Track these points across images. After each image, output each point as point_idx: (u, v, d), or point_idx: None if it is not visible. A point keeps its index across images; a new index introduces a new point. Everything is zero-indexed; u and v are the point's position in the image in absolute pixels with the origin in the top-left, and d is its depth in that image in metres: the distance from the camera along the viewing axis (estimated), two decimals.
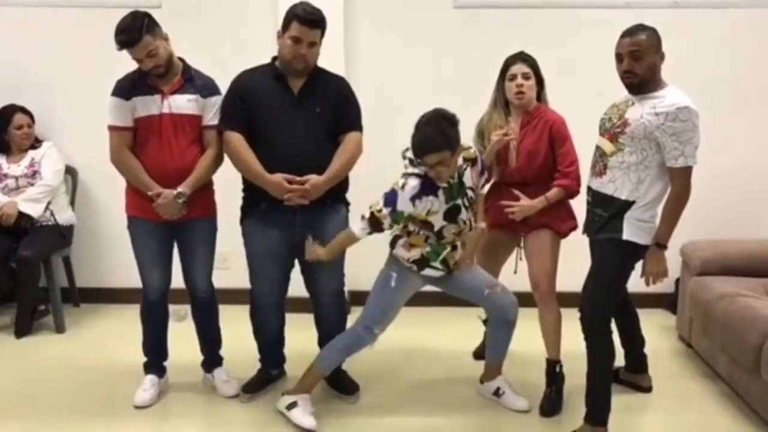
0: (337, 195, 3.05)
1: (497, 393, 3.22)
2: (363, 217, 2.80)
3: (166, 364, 3.31)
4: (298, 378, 3.09)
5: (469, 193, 2.90)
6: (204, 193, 3.11)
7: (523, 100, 3.10)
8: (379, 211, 2.76)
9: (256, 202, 3.00)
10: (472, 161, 2.88)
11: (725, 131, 4.14)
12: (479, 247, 3.10)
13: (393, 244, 2.99)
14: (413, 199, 2.76)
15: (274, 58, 3.01)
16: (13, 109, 4.14)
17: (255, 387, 3.28)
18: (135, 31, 2.84)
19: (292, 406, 3.02)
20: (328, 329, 3.20)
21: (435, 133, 2.67)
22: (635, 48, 2.60)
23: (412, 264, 2.96)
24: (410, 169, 2.80)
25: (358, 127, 3.05)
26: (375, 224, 2.79)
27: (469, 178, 2.88)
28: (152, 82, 2.98)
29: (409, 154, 2.77)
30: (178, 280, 3.21)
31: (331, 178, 2.93)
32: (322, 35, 2.90)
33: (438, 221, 2.85)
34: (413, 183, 2.76)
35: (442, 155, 2.66)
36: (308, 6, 2.86)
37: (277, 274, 3.10)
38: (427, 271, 2.98)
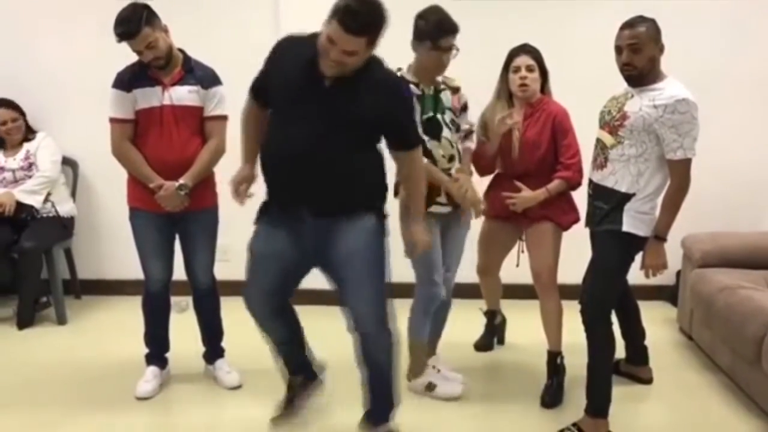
0: (358, 204, 2.46)
1: (429, 387, 3.20)
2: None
3: (167, 355, 3.32)
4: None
5: (449, 114, 2.99)
6: (206, 184, 3.11)
7: (527, 92, 3.09)
8: None
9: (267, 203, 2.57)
10: (453, 89, 3.03)
11: (726, 124, 4.14)
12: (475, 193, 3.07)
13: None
14: None
15: None
16: None
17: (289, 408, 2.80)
18: (134, 22, 2.83)
19: (430, 387, 3.13)
20: (378, 370, 2.65)
21: (449, 15, 2.82)
22: (634, 40, 2.59)
23: None
24: None
25: (417, 141, 2.57)
26: None
27: (449, 99, 3.01)
28: (153, 74, 2.98)
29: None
30: (179, 272, 3.21)
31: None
32: (371, 43, 2.24)
33: (421, 135, 2.85)
34: None
35: (455, 39, 2.82)
36: (359, 4, 2.16)
37: (270, 285, 2.57)
38: (435, 208, 2.97)
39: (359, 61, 2.24)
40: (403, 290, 3.06)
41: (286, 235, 2.48)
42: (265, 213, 2.55)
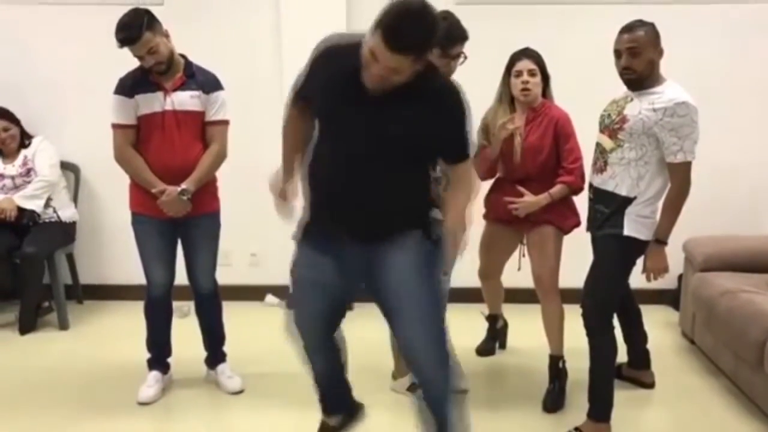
0: (401, 227, 2.22)
1: (412, 388, 3.17)
2: None
3: (169, 360, 3.32)
4: None
5: None
6: (208, 189, 3.12)
7: (529, 96, 3.10)
8: None
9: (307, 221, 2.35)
10: None
11: (727, 127, 4.14)
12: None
13: None
14: None
15: None
16: None
17: None
18: (135, 28, 2.84)
19: (412, 388, 3.05)
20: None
21: (460, 23, 2.78)
22: (633, 44, 2.60)
23: None
24: None
25: (467, 154, 2.26)
26: None
27: None
28: (155, 80, 2.98)
29: None
30: (181, 277, 3.22)
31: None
32: (418, 60, 2.00)
33: None
34: None
35: (463, 46, 2.79)
36: (406, 18, 1.93)
37: (319, 313, 2.38)
38: (436, 213, 2.94)
39: (404, 78, 2.02)
40: None
41: (330, 260, 2.26)
42: (307, 233, 2.32)
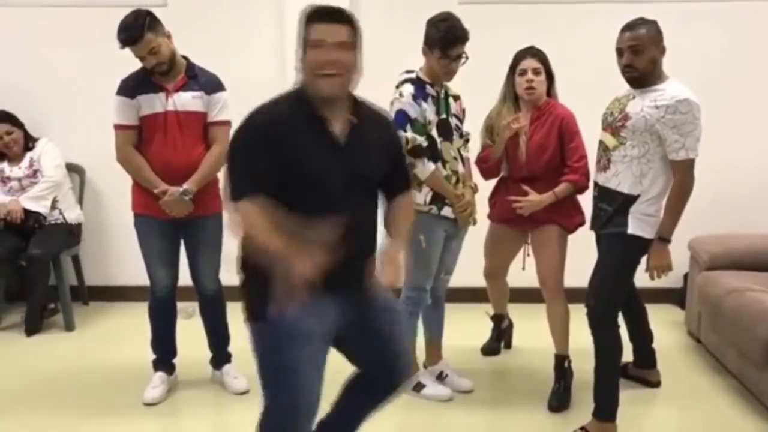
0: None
1: (441, 376, 3.26)
2: (409, 165, 2.58)
3: (175, 361, 3.32)
4: None
5: (454, 119, 3.05)
6: (210, 190, 3.12)
7: (534, 95, 3.09)
8: (407, 141, 2.81)
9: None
10: (454, 97, 3.09)
11: (732, 124, 4.12)
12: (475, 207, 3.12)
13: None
14: (414, 98, 2.88)
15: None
16: None
17: None
18: (137, 28, 2.86)
19: (418, 387, 3.13)
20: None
21: (461, 24, 2.85)
22: (635, 42, 2.59)
23: (431, 205, 2.96)
24: (403, 76, 2.94)
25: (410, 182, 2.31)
26: (419, 151, 2.85)
27: (452, 105, 3.06)
28: (157, 81, 2.99)
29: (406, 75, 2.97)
30: (185, 278, 3.22)
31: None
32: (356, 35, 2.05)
33: (435, 135, 2.93)
34: (408, 87, 2.91)
35: (464, 47, 2.85)
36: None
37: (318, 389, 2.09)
38: (446, 211, 2.99)
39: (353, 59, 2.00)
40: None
41: (320, 322, 2.03)
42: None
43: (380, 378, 2.23)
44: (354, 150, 2.02)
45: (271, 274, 1.88)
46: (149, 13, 2.92)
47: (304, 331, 1.99)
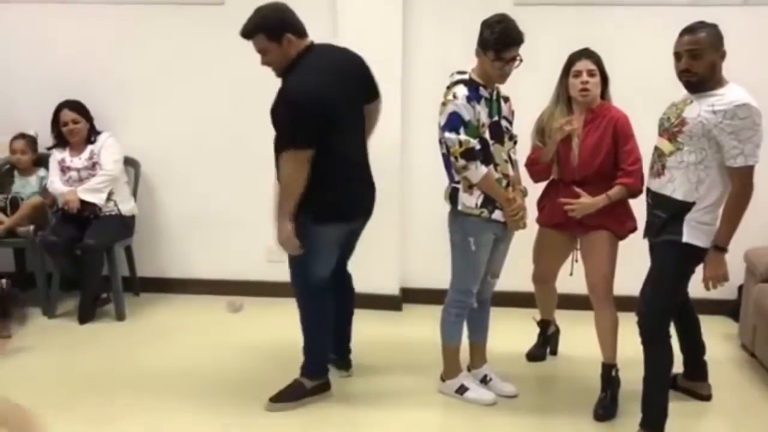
0: None
1: (485, 380, 3.25)
2: (462, 167, 2.87)
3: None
4: None
5: (505, 121, 3.03)
6: None
7: (588, 97, 3.05)
8: (460, 143, 2.83)
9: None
10: (504, 98, 3.06)
11: None
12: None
13: (453, 199, 3.00)
14: (468, 100, 2.87)
15: None
16: (60, 107, 4.21)
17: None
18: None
19: (461, 390, 3.15)
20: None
21: (516, 26, 2.84)
22: (694, 46, 2.54)
23: (482, 209, 2.95)
24: (455, 77, 2.94)
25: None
26: (472, 154, 2.85)
27: (504, 106, 3.04)
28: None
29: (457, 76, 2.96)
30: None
31: None
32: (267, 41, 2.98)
33: (488, 138, 2.93)
34: (462, 89, 2.89)
35: (518, 50, 2.84)
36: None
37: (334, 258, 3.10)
38: (497, 214, 2.97)
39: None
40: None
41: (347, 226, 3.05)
42: (334, 212, 2.91)
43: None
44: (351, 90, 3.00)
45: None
46: None
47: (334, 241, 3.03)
